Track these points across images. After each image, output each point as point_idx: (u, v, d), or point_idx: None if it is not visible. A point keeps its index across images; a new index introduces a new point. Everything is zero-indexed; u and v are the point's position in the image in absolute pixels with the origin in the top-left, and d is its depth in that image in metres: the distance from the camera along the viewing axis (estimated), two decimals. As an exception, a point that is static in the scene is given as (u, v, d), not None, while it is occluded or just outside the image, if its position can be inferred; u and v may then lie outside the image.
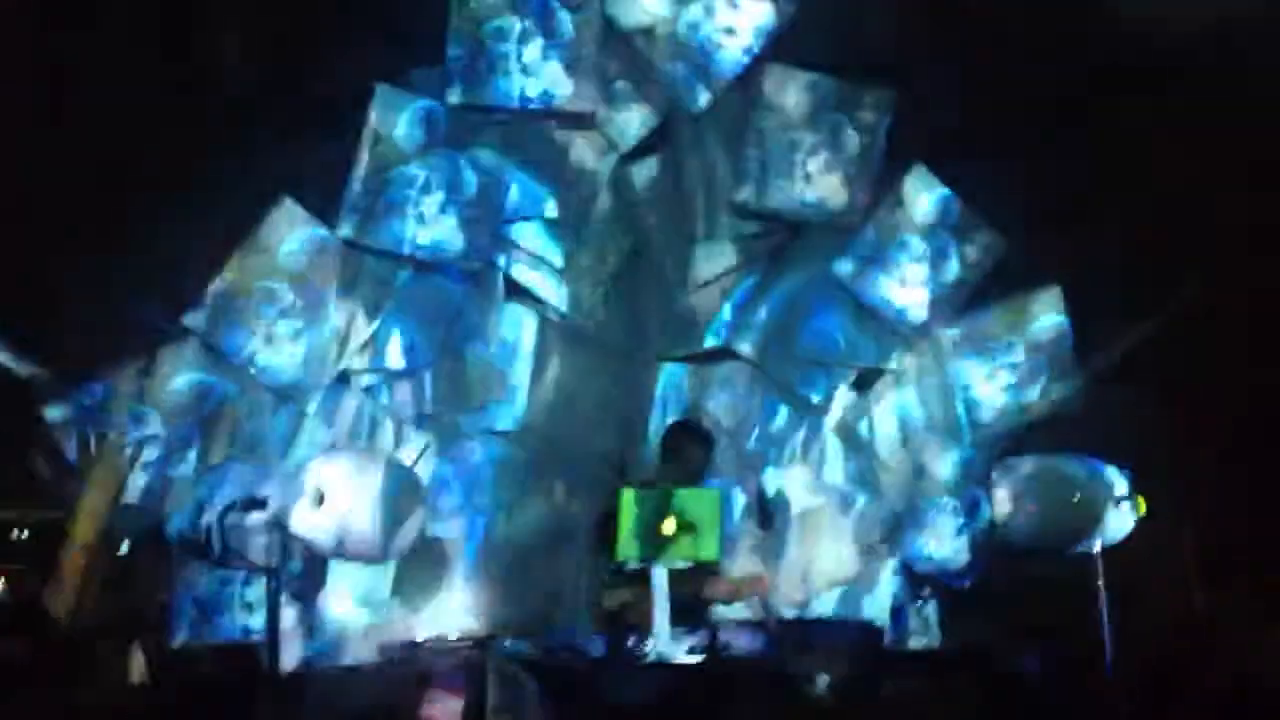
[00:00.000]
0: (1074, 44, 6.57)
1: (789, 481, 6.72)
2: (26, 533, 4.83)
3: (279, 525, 4.50)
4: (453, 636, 5.55)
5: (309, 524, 4.57)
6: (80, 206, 5.39)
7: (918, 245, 6.71)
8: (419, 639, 5.53)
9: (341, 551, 4.74)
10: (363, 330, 6.02)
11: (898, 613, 6.47)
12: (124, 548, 5.42)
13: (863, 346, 6.77)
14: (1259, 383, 6.81)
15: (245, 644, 5.38)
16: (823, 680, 5.13)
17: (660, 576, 5.33)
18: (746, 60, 6.42)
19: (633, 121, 6.40)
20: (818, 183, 6.56)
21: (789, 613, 6.35)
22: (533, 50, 6.14)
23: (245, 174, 5.59)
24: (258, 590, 5.47)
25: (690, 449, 6.01)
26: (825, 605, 6.51)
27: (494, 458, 6.35)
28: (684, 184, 6.57)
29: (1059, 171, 6.62)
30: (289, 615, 5.36)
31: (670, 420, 6.45)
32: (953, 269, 6.74)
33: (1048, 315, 6.83)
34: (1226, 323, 6.81)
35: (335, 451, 5.18)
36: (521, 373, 6.44)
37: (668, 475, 5.85)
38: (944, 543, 6.59)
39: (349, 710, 4.68)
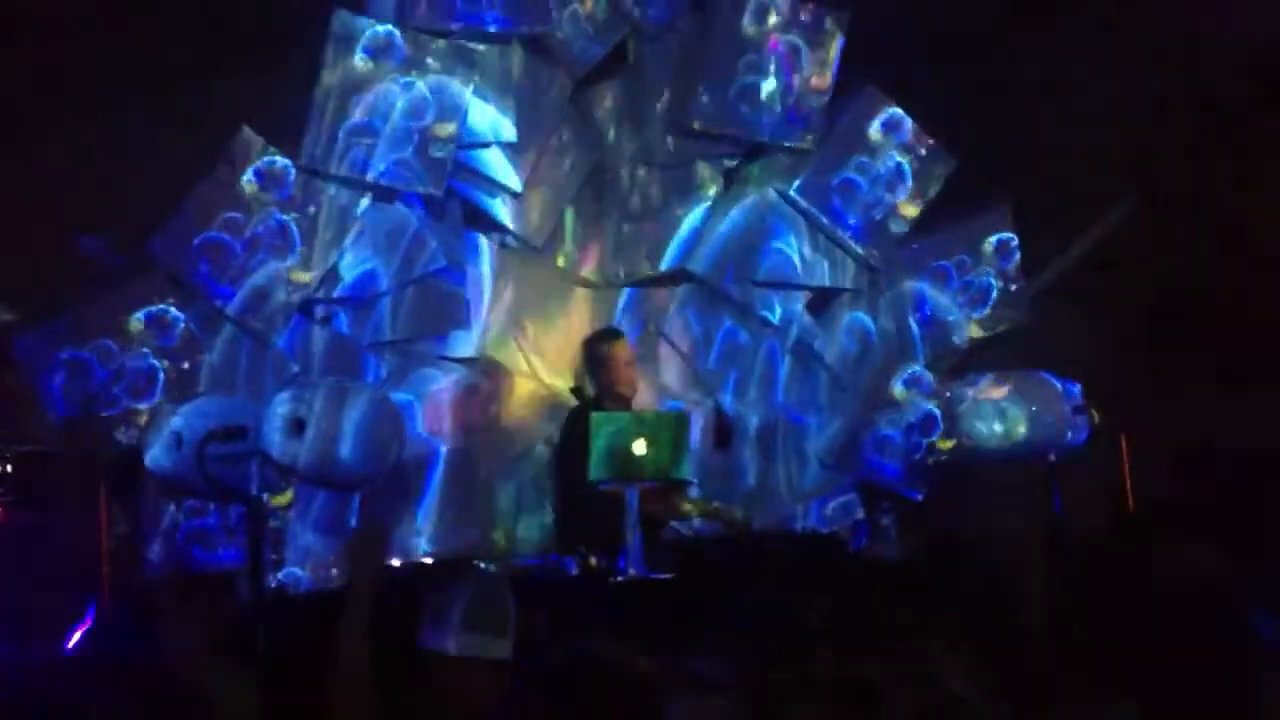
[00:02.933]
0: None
1: (746, 401, 6.83)
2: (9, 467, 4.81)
3: (260, 454, 4.52)
4: (425, 560, 5.60)
5: (289, 452, 4.59)
6: (36, 139, 5.31)
7: (870, 166, 6.80)
8: (390, 563, 5.56)
9: (321, 478, 4.77)
10: (324, 260, 6.00)
11: (857, 526, 6.61)
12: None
13: (817, 267, 6.87)
14: (1196, 293, 6.99)
15: (219, 573, 5.40)
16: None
17: (632, 496, 5.43)
18: (703, -19, 6.46)
19: (591, 43, 6.40)
20: (773, 105, 6.61)
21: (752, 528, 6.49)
22: (488, -30, 6.12)
23: (204, 104, 5.52)
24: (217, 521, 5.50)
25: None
26: (786, 520, 6.65)
27: (454, 384, 6.38)
28: (642, 106, 6.59)
29: (1007, 91, 6.73)
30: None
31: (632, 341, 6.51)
32: (904, 188, 6.84)
33: (997, 232, 6.98)
34: (1164, 236, 6.98)
35: (312, 379, 5.18)
36: (480, 299, 6.45)
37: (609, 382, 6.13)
38: (899, 457, 6.73)
39: (329, 635, 4.70)
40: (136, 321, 5.59)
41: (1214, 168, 6.75)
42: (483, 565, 5.45)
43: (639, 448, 5.42)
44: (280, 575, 5.65)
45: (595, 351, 6.27)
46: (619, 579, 5.30)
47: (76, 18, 5.24)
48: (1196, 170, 6.91)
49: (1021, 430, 5.93)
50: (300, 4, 5.85)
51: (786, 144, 6.68)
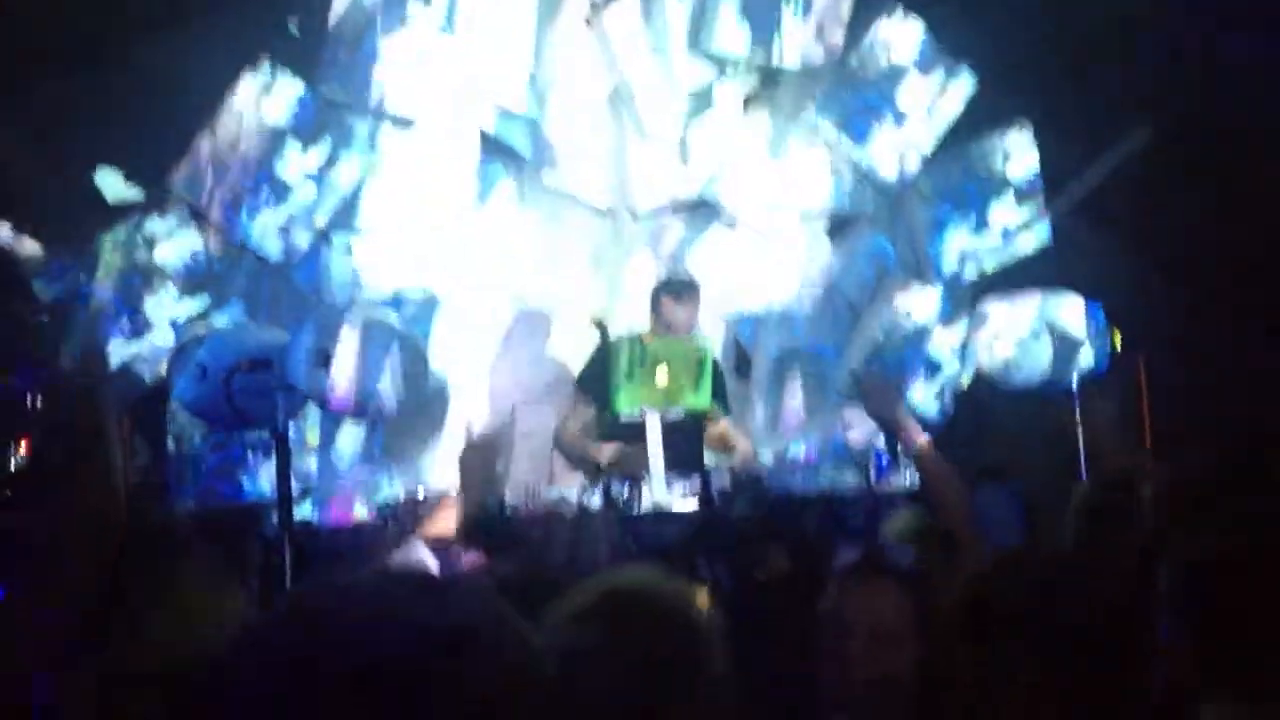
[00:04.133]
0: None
1: (765, 330, 6.82)
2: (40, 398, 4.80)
3: (286, 386, 4.51)
4: (451, 492, 5.60)
5: (315, 384, 4.58)
6: (52, 69, 5.26)
7: (890, 88, 6.72)
8: (417, 496, 5.57)
9: (347, 409, 4.77)
10: (342, 189, 5.97)
11: (877, 455, 6.60)
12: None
13: (836, 191, 6.82)
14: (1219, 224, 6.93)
15: (246, 506, 5.41)
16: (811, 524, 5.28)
17: (654, 426, 5.43)
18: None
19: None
20: (793, 29, 6.53)
21: (768, 459, 6.50)
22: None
23: (224, 34, 5.47)
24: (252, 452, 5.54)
25: (676, 307, 5.88)
26: (806, 450, 6.65)
27: (474, 315, 6.37)
28: (660, 30, 6.50)
29: (1031, 10, 6.63)
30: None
31: (652, 271, 6.47)
32: (925, 111, 6.77)
33: (1018, 155, 6.90)
34: (1191, 160, 6.91)
35: (336, 311, 5.17)
36: (498, 229, 6.42)
37: (654, 330, 5.88)
38: (918, 385, 6.72)
39: (359, 567, 4.72)
40: (159, 254, 5.58)
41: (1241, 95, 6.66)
42: (507, 496, 5.47)
43: (661, 376, 5.41)
44: (306, 509, 5.68)
45: (657, 298, 5.91)
46: (643, 509, 5.31)
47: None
48: (1223, 96, 6.82)
49: (1015, 350, 5.86)
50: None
51: (807, 66, 6.60)
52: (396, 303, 6.06)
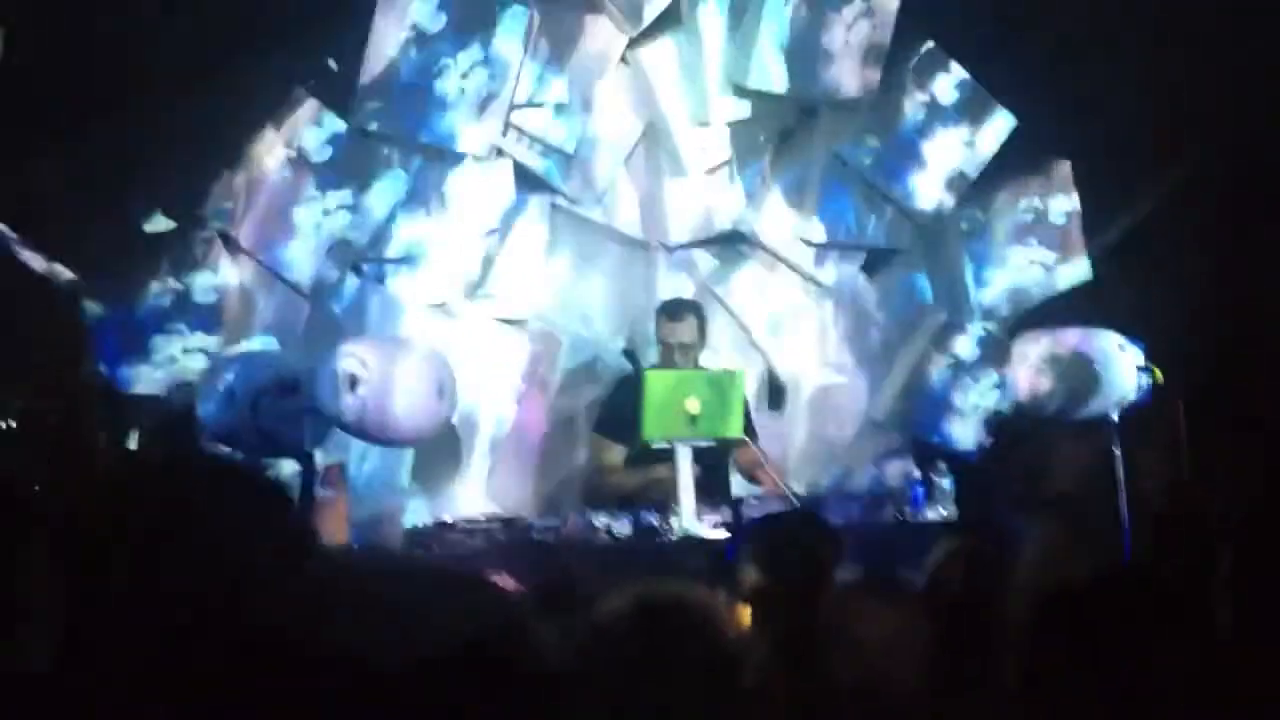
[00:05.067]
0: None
1: (799, 362, 6.78)
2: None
3: (314, 410, 4.52)
4: (479, 519, 5.59)
5: (343, 408, 4.58)
6: (88, 107, 5.32)
7: (927, 126, 6.71)
8: (445, 521, 5.56)
9: (374, 435, 4.76)
10: (375, 219, 6.01)
11: (913, 487, 6.54)
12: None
13: (872, 227, 6.80)
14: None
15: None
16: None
17: (684, 454, 5.40)
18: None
19: (646, 1, 6.34)
20: (828, 64, 6.53)
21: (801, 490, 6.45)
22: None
23: (257, 67, 5.52)
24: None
25: (673, 325, 5.91)
26: (839, 482, 6.60)
27: (505, 345, 6.37)
28: (695, 66, 6.52)
29: (1069, 51, 6.60)
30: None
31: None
32: (962, 149, 6.75)
33: (1057, 193, 6.86)
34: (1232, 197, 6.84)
35: (365, 337, 5.18)
36: (531, 261, 6.42)
37: (659, 351, 5.95)
38: (956, 417, 6.67)
39: (390, 595, 4.69)
40: (191, 283, 5.61)
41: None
42: (536, 524, 5.45)
43: (692, 405, 5.39)
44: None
45: (657, 319, 6.03)
46: (672, 538, 5.28)
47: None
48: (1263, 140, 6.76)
49: (1054, 385, 5.79)
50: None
51: (842, 101, 6.59)
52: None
